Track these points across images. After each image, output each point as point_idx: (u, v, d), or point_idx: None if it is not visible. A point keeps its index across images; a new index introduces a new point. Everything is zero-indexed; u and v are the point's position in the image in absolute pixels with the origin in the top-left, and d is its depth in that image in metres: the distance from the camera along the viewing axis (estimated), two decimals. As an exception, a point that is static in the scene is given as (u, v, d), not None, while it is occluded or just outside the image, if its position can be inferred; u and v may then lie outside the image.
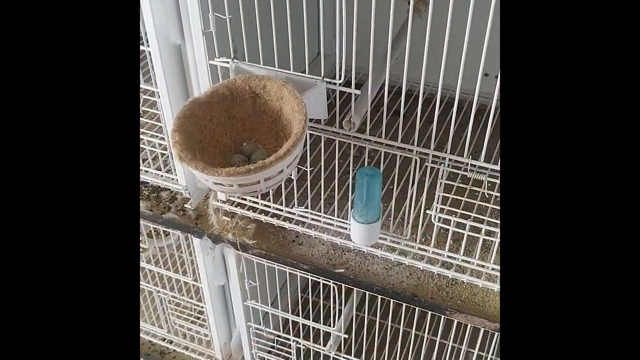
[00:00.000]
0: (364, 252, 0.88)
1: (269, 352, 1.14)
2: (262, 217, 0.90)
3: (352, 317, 1.05)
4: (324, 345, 1.04)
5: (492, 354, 1.04)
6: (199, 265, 1.01)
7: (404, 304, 0.88)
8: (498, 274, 0.81)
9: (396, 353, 1.04)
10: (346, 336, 1.01)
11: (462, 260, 0.82)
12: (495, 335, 0.87)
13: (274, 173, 0.64)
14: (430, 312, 0.86)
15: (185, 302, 1.14)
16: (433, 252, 0.83)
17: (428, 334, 1.00)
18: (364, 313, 1.06)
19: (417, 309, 0.87)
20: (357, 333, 1.02)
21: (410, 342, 1.09)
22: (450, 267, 0.83)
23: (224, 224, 0.91)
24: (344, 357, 1.05)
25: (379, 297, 0.88)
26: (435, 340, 0.95)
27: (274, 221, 0.89)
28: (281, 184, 0.85)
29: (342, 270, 0.87)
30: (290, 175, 0.82)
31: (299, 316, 1.04)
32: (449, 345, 1.02)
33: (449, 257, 0.83)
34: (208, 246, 0.94)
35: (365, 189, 0.73)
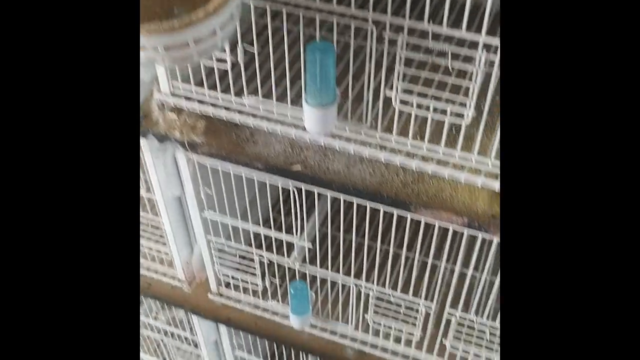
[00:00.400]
0: (323, 147, 0.81)
1: (236, 269, 1.08)
2: (211, 111, 0.82)
3: (316, 230, 0.99)
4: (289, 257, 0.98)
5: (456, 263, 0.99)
6: (150, 172, 0.94)
7: (368, 206, 0.81)
8: (465, 162, 0.75)
9: (363, 264, 0.98)
10: (310, 246, 0.95)
11: (428, 150, 0.75)
12: (462, 239, 0.80)
13: (205, 33, 0.56)
14: (395, 216, 0.79)
15: (142, 218, 1.07)
16: (396, 142, 0.76)
17: (395, 247, 0.94)
18: (330, 229, 1.00)
19: (381, 212, 0.80)
20: (323, 246, 0.96)
21: (376, 254, 1.03)
22: (415, 157, 0.76)
23: (171, 122, 0.84)
24: (310, 269, 0.99)
25: (341, 198, 0.81)
26: (400, 254, 0.89)
27: (224, 114, 0.81)
28: (229, 74, 0.78)
29: (299, 168, 0.80)
30: (236, 58, 0.74)
31: (265, 230, 0.98)
32: (417, 258, 0.96)
33: (413, 146, 0.76)
34: (156, 147, 0.87)
35: (318, 66, 0.66)
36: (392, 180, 0.79)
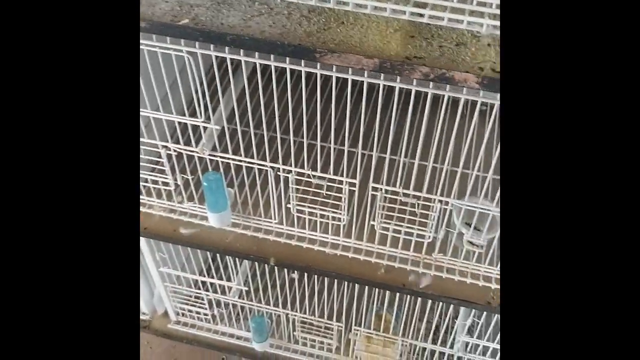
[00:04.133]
0: (216, 3, 0.72)
1: (145, 170, 0.98)
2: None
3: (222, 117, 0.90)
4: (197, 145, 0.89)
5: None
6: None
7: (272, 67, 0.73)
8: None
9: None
10: (217, 127, 0.86)
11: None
12: (378, 98, 0.73)
13: None
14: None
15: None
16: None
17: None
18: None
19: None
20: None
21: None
22: None
23: None
24: (222, 157, 0.91)
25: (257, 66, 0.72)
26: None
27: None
28: None
29: (186, 22, 0.70)
30: None
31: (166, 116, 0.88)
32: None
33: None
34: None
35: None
36: (294, 30, 0.70)
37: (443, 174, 0.86)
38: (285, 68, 0.75)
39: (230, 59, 0.76)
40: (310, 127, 0.91)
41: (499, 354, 1.13)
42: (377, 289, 1.24)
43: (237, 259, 1.18)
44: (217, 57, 0.77)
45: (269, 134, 0.96)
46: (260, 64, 0.76)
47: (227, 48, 0.73)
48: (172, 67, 0.83)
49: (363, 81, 0.73)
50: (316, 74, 0.74)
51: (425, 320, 1.20)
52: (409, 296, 1.13)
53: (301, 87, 0.76)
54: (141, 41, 0.76)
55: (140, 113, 0.86)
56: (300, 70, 0.75)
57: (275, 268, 1.21)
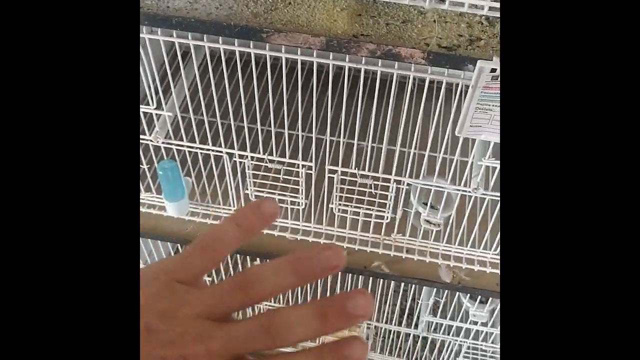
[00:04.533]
0: (162, -12, 0.71)
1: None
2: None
3: (175, 103, 0.89)
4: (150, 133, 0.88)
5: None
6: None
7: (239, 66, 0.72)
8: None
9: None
10: (170, 114, 0.85)
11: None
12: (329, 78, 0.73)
13: None
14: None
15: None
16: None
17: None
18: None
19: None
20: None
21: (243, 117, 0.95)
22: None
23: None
24: (176, 145, 0.90)
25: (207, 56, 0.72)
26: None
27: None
28: None
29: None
30: None
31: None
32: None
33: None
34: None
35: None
36: (241, 12, 0.70)
37: (397, 154, 0.87)
38: (243, 55, 0.75)
39: (185, 46, 0.75)
40: (267, 113, 0.91)
41: (462, 332, 1.14)
42: (339, 273, 1.25)
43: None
44: (172, 44, 0.76)
45: (225, 121, 0.96)
46: (211, 50, 0.75)
47: (174, 32, 0.73)
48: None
49: (313, 62, 0.73)
50: (267, 60, 0.74)
51: (390, 302, 1.21)
52: (371, 278, 1.14)
53: (253, 74, 0.76)
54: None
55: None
56: (259, 58, 0.75)
57: (239, 257, 1.21)
